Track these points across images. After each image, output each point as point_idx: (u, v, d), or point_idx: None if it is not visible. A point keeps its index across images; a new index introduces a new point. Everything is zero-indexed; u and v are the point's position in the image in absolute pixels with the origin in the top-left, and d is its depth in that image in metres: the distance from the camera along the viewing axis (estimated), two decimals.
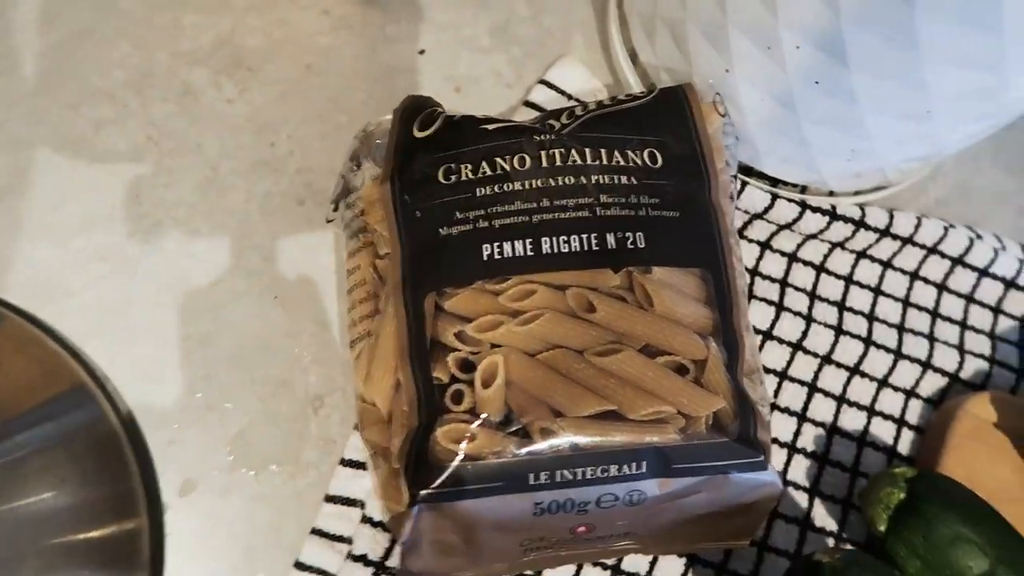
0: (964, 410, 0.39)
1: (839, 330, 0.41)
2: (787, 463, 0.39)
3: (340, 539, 0.35)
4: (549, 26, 0.45)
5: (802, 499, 0.38)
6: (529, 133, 0.32)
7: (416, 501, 0.27)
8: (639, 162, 0.31)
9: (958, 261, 0.43)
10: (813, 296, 0.42)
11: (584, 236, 0.30)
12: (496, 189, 0.30)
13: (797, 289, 0.42)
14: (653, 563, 0.36)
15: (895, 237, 0.42)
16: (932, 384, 0.41)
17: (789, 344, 0.41)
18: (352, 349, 0.32)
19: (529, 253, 0.29)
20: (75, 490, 0.33)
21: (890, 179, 0.41)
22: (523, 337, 0.29)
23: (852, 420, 0.40)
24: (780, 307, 0.41)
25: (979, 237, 0.43)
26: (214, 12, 0.42)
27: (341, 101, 0.42)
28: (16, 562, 0.32)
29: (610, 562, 0.35)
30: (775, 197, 0.40)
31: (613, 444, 0.28)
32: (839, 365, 0.41)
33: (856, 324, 0.41)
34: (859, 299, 0.42)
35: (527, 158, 0.31)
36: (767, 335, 0.41)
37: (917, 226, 0.42)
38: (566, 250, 0.29)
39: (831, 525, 0.38)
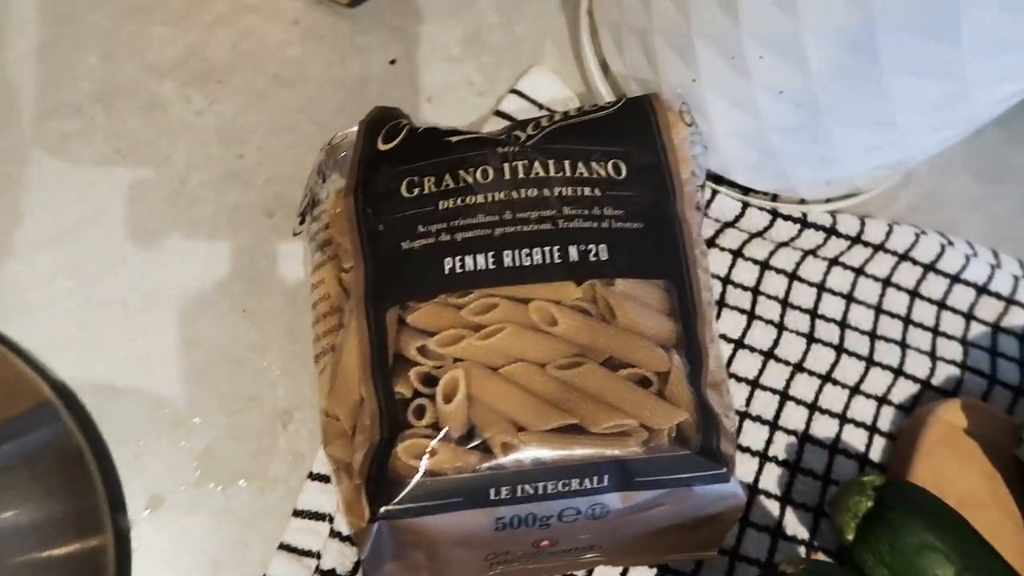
0: (935, 416, 0.39)
1: (811, 338, 0.41)
2: (759, 471, 0.39)
3: (308, 554, 0.35)
4: (521, 35, 0.45)
5: (774, 507, 0.38)
6: (493, 145, 0.32)
7: (376, 517, 0.27)
8: (603, 173, 0.31)
9: (930, 268, 0.43)
10: (785, 304, 0.42)
11: (546, 249, 0.29)
12: (459, 202, 0.30)
13: (769, 297, 0.42)
14: (623, 575, 0.35)
15: (866, 244, 0.42)
16: (904, 391, 0.41)
17: (761, 352, 0.41)
18: (316, 363, 0.32)
19: (491, 266, 0.29)
20: (38, 508, 0.33)
21: (860, 187, 0.42)
22: (485, 351, 0.28)
23: (824, 428, 0.40)
24: (752, 315, 0.41)
25: (950, 243, 0.44)
26: (182, 24, 0.42)
27: (311, 112, 0.42)
28: None
29: (579, 574, 0.35)
30: (746, 205, 0.40)
31: (575, 458, 0.27)
32: (811, 373, 0.41)
33: (828, 331, 0.41)
34: (831, 306, 0.42)
35: (490, 170, 0.31)
36: (739, 343, 0.41)
37: (888, 233, 0.42)
38: (528, 263, 0.29)
39: (803, 533, 0.38)
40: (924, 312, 0.43)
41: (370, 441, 0.28)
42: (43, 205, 0.38)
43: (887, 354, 0.41)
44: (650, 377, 0.29)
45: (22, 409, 0.34)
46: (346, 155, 0.34)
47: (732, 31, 0.31)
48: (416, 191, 0.31)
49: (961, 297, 0.43)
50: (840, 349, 0.41)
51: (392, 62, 0.43)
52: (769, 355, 0.41)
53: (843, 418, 0.40)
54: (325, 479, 0.36)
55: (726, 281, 0.41)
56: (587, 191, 0.31)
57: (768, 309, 0.41)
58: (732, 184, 0.41)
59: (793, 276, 0.42)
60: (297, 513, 0.35)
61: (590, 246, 0.30)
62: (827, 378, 0.41)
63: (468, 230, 0.30)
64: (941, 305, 0.43)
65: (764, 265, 0.42)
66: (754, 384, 0.40)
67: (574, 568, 0.34)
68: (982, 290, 0.43)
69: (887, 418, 0.41)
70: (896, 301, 0.43)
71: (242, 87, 0.42)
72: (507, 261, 0.29)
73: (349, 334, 0.30)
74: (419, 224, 0.30)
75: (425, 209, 0.30)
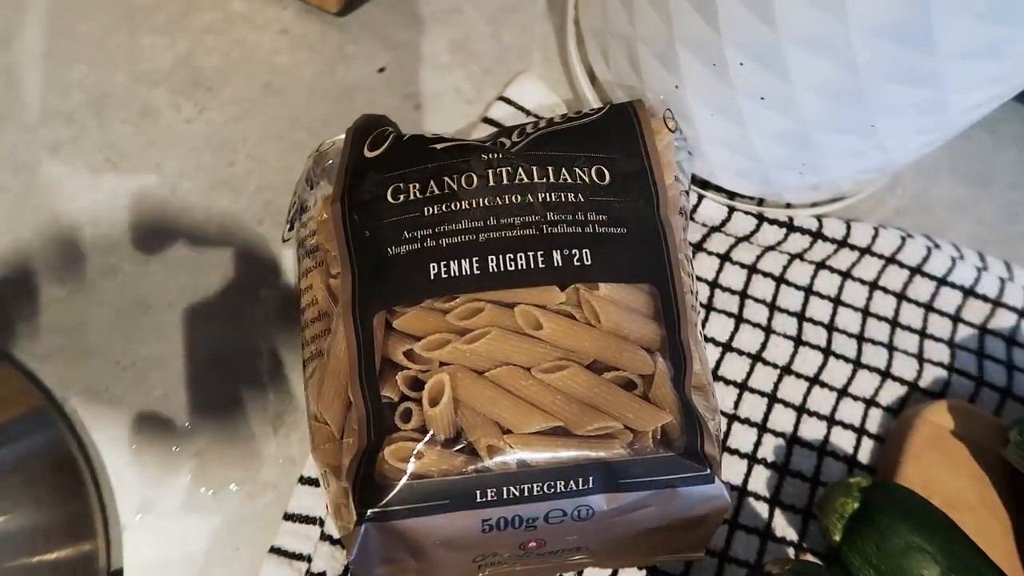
0: (922, 418, 0.39)
1: (798, 340, 0.41)
2: (747, 474, 0.39)
3: (299, 557, 0.35)
4: (509, 42, 0.45)
5: (763, 509, 0.39)
6: (478, 152, 0.32)
7: (363, 519, 0.27)
8: (587, 179, 0.32)
9: (916, 270, 0.43)
10: (772, 307, 0.42)
11: (530, 254, 0.30)
12: (444, 208, 0.31)
13: (756, 301, 0.42)
14: None
15: (853, 248, 0.43)
16: (891, 393, 0.41)
17: (749, 355, 0.41)
18: (305, 368, 0.33)
19: (476, 271, 0.29)
20: (29, 513, 0.33)
21: (846, 191, 0.42)
22: (470, 355, 0.29)
23: (812, 430, 0.40)
24: (739, 319, 0.41)
25: (937, 246, 0.44)
26: (172, 33, 0.43)
27: (300, 120, 0.42)
28: None
29: None
30: (732, 210, 0.41)
31: (560, 460, 0.28)
32: (799, 375, 0.41)
33: (815, 334, 0.42)
34: (818, 309, 0.42)
35: (475, 177, 0.31)
36: (727, 347, 0.41)
37: (875, 236, 0.43)
38: (512, 268, 0.29)
39: (791, 535, 0.38)
40: (911, 314, 0.43)
41: (358, 445, 0.29)
42: (33, 213, 0.39)
43: (874, 356, 0.42)
44: (634, 380, 0.29)
45: (13, 415, 0.35)
46: (333, 162, 0.34)
47: (713, 39, 0.31)
48: (402, 197, 0.31)
49: (948, 299, 0.44)
50: (828, 352, 0.41)
51: (381, 70, 0.44)
52: (757, 358, 0.41)
53: (831, 420, 0.40)
54: (316, 483, 0.36)
55: (714, 285, 0.42)
56: (571, 196, 0.31)
57: (756, 312, 0.42)
58: (718, 189, 0.41)
59: (780, 280, 0.42)
60: (288, 517, 0.35)
61: (574, 251, 0.30)
62: (815, 380, 0.41)
63: (453, 235, 0.30)
64: (928, 308, 0.44)
65: (751, 269, 0.42)
66: (742, 387, 0.40)
67: (563, 570, 0.35)
68: (969, 292, 0.44)
69: (875, 420, 0.41)
70: (883, 304, 0.43)
71: (232, 96, 0.42)
72: (492, 266, 0.30)
73: (337, 339, 0.31)
74: (405, 230, 0.30)
75: (410, 215, 0.31)
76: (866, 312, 0.43)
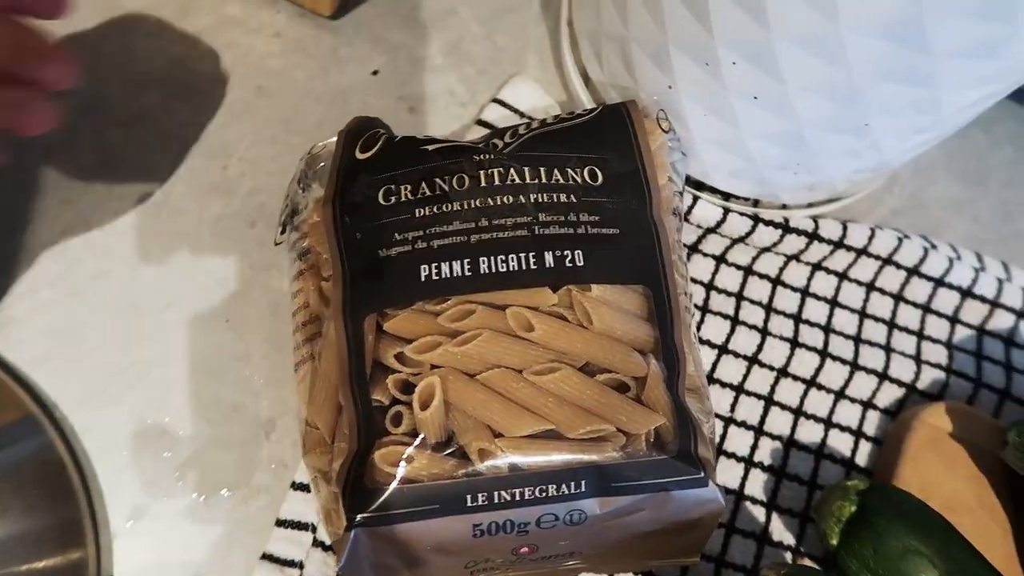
0: (920, 420, 0.39)
1: (795, 342, 0.41)
2: (744, 477, 0.39)
3: (291, 564, 0.35)
4: (502, 44, 0.45)
5: (760, 513, 0.38)
6: (469, 153, 0.32)
7: (352, 525, 0.26)
8: (579, 180, 0.31)
9: (913, 271, 0.43)
10: (769, 309, 0.42)
11: (522, 255, 0.29)
12: (435, 210, 0.30)
13: (753, 302, 0.42)
14: None
15: (849, 248, 0.43)
16: (889, 395, 0.41)
17: (745, 358, 0.41)
18: (297, 372, 0.32)
19: (467, 273, 0.29)
20: (19, 521, 0.33)
21: (842, 191, 0.42)
22: (461, 357, 0.28)
23: (809, 433, 0.40)
24: (736, 321, 0.41)
25: (934, 247, 0.44)
26: (165, 36, 0.42)
27: (294, 123, 0.42)
28: None
29: None
30: (727, 211, 0.41)
31: (552, 463, 0.27)
32: (795, 378, 0.41)
33: (812, 336, 0.41)
34: (815, 311, 0.42)
35: (466, 178, 0.31)
36: (723, 349, 0.41)
37: (871, 237, 0.43)
38: (504, 270, 0.29)
39: (789, 539, 0.38)
40: (908, 316, 0.43)
41: (348, 449, 0.28)
42: (25, 217, 0.39)
43: (872, 358, 0.42)
44: (627, 382, 0.29)
45: (4, 422, 0.34)
46: (325, 165, 0.34)
47: (706, 38, 0.31)
48: (393, 199, 0.31)
49: (945, 300, 0.43)
50: (824, 354, 0.41)
51: (375, 73, 0.43)
52: (753, 360, 0.41)
53: (828, 423, 0.40)
54: (308, 488, 0.36)
55: (709, 287, 0.41)
56: (563, 197, 0.31)
57: (752, 314, 0.41)
58: (713, 190, 0.41)
59: (777, 281, 0.42)
60: (280, 523, 0.35)
61: (566, 252, 0.30)
62: (812, 383, 0.41)
63: (444, 237, 0.30)
64: (926, 309, 0.43)
65: (747, 270, 0.42)
66: (738, 389, 0.40)
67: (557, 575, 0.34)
68: (966, 293, 0.44)
69: (872, 422, 0.41)
70: (880, 305, 0.43)
71: (225, 99, 0.42)
72: (483, 268, 0.29)
73: (327, 342, 0.30)
74: (396, 232, 0.30)
75: (402, 217, 0.30)
76: (863, 314, 0.43)
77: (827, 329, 0.42)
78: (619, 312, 0.30)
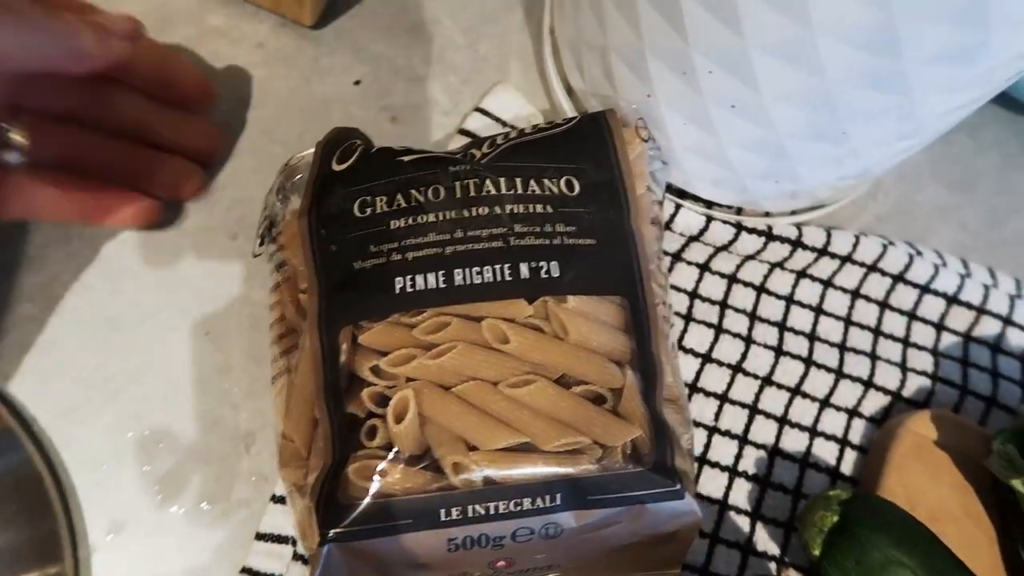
0: (905, 428, 0.39)
1: (779, 351, 0.41)
2: (728, 487, 0.38)
3: None
4: (485, 53, 0.45)
5: (744, 523, 0.38)
6: (445, 164, 0.32)
7: (325, 540, 0.26)
8: (555, 190, 0.31)
9: (899, 278, 0.43)
10: (753, 317, 0.41)
11: (497, 267, 0.29)
12: (410, 221, 0.30)
13: (737, 311, 0.41)
14: None
15: (833, 256, 0.42)
16: (874, 403, 0.41)
17: (729, 366, 0.40)
18: (274, 384, 0.32)
19: (442, 285, 0.29)
20: None
21: (825, 199, 0.42)
22: (436, 370, 0.28)
23: (794, 441, 0.40)
24: (719, 329, 0.41)
25: (919, 253, 0.43)
26: None
27: (275, 133, 0.42)
28: None
29: None
30: (710, 219, 0.40)
31: (527, 477, 0.27)
32: (780, 386, 0.40)
33: (797, 344, 0.41)
34: (799, 319, 0.42)
35: (441, 189, 0.31)
36: (706, 358, 0.40)
37: (855, 244, 0.42)
38: (479, 281, 0.29)
39: (773, 549, 0.38)
40: (894, 323, 0.43)
41: (323, 462, 0.28)
42: (3, 231, 0.38)
43: (857, 366, 0.41)
44: (604, 394, 0.29)
45: None
46: (303, 176, 0.34)
47: (682, 47, 0.31)
48: (368, 211, 0.31)
49: (931, 307, 0.43)
50: (809, 362, 0.41)
51: (357, 83, 0.43)
52: (737, 369, 0.40)
53: (813, 431, 0.40)
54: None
55: (693, 295, 0.41)
56: (539, 208, 0.31)
57: (736, 322, 0.41)
58: (695, 198, 0.41)
59: (761, 289, 0.42)
60: (260, 536, 0.35)
61: (541, 263, 0.29)
62: (796, 391, 0.40)
63: (419, 249, 0.30)
64: (911, 316, 0.43)
65: (731, 279, 0.42)
66: (722, 398, 0.40)
67: None
68: (952, 300, 0.43)
69: (858, 431, 0.40)
70: (865, 312, 0.43)
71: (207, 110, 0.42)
72: (458, 279, 0.29)
73: (303, 355, 0.30)
74: (371, 244, 0.30)
75: (376, 229, 0.30)
76: (848, 321, 0.42)
77: (812, 337, 0.42)
78: (595, 323, 0.30)
